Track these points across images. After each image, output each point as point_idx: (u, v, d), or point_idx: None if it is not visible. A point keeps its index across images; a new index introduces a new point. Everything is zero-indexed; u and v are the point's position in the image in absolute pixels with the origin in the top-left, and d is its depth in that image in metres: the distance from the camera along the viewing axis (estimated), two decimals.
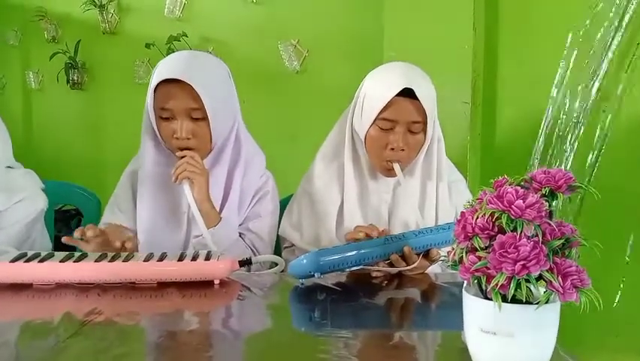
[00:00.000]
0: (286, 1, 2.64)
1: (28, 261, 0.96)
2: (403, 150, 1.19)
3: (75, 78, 3.49)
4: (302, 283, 0.99)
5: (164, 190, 1.27)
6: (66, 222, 2.85)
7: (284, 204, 1.41)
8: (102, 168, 3.40)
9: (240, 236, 1.29)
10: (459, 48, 2.02)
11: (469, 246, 0.63)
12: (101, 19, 3.32)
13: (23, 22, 3.95)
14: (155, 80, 1.18)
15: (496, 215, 0.59)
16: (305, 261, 0.95)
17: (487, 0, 2.08)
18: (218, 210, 1.25)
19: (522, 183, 0.65)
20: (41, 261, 0.97)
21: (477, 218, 0.61)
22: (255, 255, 1.27)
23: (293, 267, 0.97)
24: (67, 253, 1.02)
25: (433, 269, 1.14)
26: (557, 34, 1.94)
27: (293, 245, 1.32)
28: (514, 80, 2.08)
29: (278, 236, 1.36)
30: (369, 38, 2.30)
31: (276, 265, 1.13)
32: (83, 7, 3.30)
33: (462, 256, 0.63)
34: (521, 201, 0.59)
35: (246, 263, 1.05)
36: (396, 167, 1.20)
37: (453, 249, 0.67)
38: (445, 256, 0.72)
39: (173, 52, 2.88)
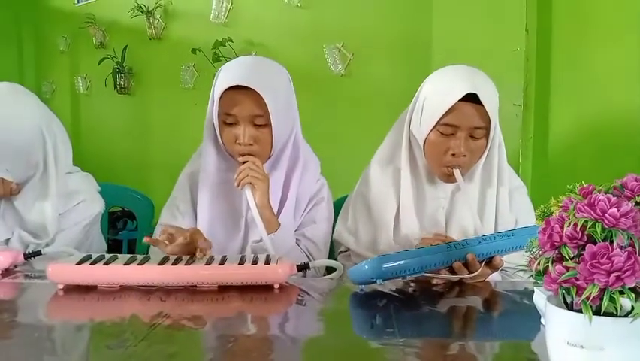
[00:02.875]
0: (331, 5, 2.64)
1: (93, 263, 0.98)
2: (464, 155, 1.16)
3: (122, 83, 3.58)
4: (362, 289, 0.97)
5: (224, 195, 1.28)
6: (113, 223, 2.92)
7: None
8: (148, 170, 3.47)
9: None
10: (511, 50, 1.98)
11: (555, 255, 0.60)
12: (147, 25, 3.39)
13: (72, 29, 4.08)
14: (220, 87, 1.19)
15: (588, 224, 0.56)
16: (367, 267, 0.93)
17: (540, 1, 2.03)
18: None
19: (612, 191, 0.62)
20: (106, 264, 0.98)
21: (566, 227, 0.58)
22: (310, 260, 1.26)
23: (354, 273, 0.96)
24: (131, 255, 1.03)
25: (493, 277, 1.11)
26: (614, 35, 1.87)
27: (348, 250, 1.31)
28: (568, 82, 2.02)
29: (332, 241, 1.36)
30: (417, 41, 2.27)
31: (331, 270, 1.12)
32: (130, 13, 3.38)
33: (547, 266, 0.61)
34: (615, 209, 0.56)
35: (303, 268, 1.04)
36: (457, 173, 1.17)
37: (534, 257, 0.64)
38: (520, 264, 0.70)
39: (219, 57, 2.94)
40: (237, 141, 1.20)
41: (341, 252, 1.34)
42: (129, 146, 3.66)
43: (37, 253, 1.13)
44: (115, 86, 3.60)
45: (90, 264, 0.98)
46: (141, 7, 3.35)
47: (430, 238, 1.10)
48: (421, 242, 1.11)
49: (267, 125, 1.20)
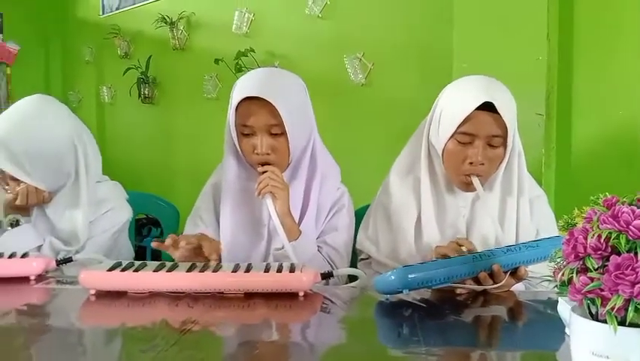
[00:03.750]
0: (352, 15, 2.67)
1: (123, 270, 1.01)
2: (482, 164, 1.17)
3: (146, 92, 3.65)
4: (387, 299, 0.99)
5: (246, 204, 1.30)
6: (138, 230, 2.97)
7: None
8: (172, 178, 3.53)
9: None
10: (532, 59, 1.97)
11: (580, 266, 0.61)
12: (171, 36, 3.46)
13: (98, 40, 4.18)
14: (236, 98, 1.22)
15: (612, 235, 0.57)
16: (393, 277, 0.95)
17: (561, 9, 2.02)
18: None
19: (635, 202, 0.62)
20: (136, 270, 1.01)
21: (590, 238, 0.59)
22: (332, 268, 1.28)
23: (379, 282, 0.97)
24: (160, 263, 1.06)
25: (517, 287, 1.11)
26: (636, 43, 1.86)
27: (369, 258, 1.32)
28: (591, 91, 2.01)
29: (354, 249, 1.37)
30: (438, 50, 2.28)
31: (353, 278, 1.13)
32: (154, 24, 3.45)
33: (572, 277, 0.61)
34: (639, 221, 0.57)
35: (327, 276, 1.06)
36: (476, 181, 1.18)
37: (559, 268, 0.65)
38: (544, 275, 0.70)
39: (241, 67, 2.98)
40: (255, 151, 1.23)
41: (362, 259, 1.35)
42: (153, 154, 3.73)
43: (68, 260, 1.17)
44: (139, 96, 3.68)
45: (121, 270, 1.01)
46: (165, 18, 3.42)
47: (445, 246, 1.11)
48: (435, 250, 1.11)
49: (284, 134, 1.22)
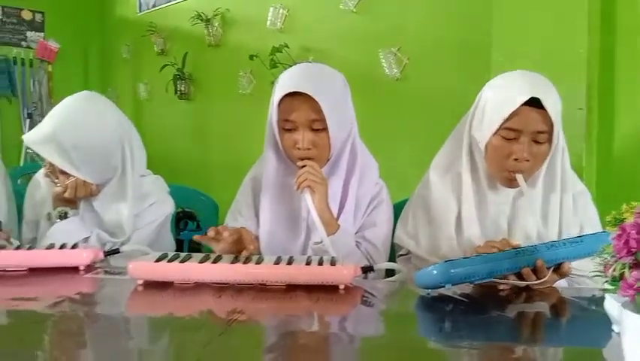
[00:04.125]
0: (386, 9, 2.65)
1: (170, 261, 1.04)
2: (527, 160, 1.16)
3: (182, 89, 3.71)
4: (428, 293, 0.99)
5: (285, 198, 1.32)
6: (176, 223, 3.03)
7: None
8: (207, 173, 3.59)
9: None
10: (573, 52, 1.93)
11: (632, 261, 0.60)
12: (206, 33, 3.51)
13: (135, 37, 4.27)
14: (278, 94, 1.23)
15: None
16: (435, 272, 0.95)
17: (603, 1, 1.97)
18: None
19: None
20: (182, 261, 1.04)
21: None
22: (370, 263, 1.28)
23: (421, 277, 0.98)
24: (204, 254, 1.08)
25: (560, 283, 1.10)
26: None
27: (409, 253, 1.32)
28: (633, 85, 1.95)
29: (392, 244, 1.37)
30: (475, 43, 2.25)
31: (390, 273, 1.14)
32: (190, 21, 3.50)
33: (623, 272, 0.61)
34: None
35: (368, 270, 1.07)
36: (520, 178, 1.17)
37: (608, 264, 0.64)
38: (593, 270, 0.70)
39: (276, 63, 3.00)
40: (296, 146, 1.25)
41: (401, 255, 1.35)
42: (189, 149, 3.79)
43: (115, 251, 1.20)
44: (175, 92, 3.75)
45: (167, 262, 1.04)
46: (200, 15, 3.47)
47: (497, 241, 1.10)
48: (483, 246, 1.11)
49: (325, 129, 1.24)
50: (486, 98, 1.23)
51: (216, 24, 3.49)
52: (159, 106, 4.05)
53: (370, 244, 1.33)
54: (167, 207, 1.47)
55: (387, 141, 2.62)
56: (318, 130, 1.24)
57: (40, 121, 4.34)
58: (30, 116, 4.48)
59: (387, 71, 2.57)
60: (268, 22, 3.10)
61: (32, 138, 1.29)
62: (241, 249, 1.15)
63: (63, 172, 1.31)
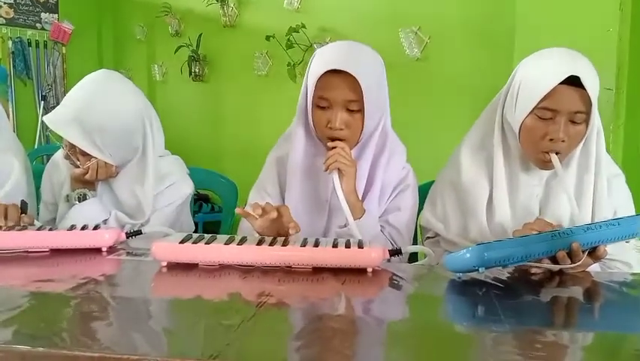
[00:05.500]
0: None
1: (195, 243, 1.02)
2: (563, 141, 1.12)
3: (197, 70, 3.68)
4: (459, 277, 0.96)
5: (310, 178, 1.30)
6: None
7: None
8: (221, 155, 3.57)
9: None
10: (602, 31, 1.87)
11: None
12: (222, 13, 3.46)
13: (149, 18, 4.23)
14: (317, 70, 1.20)
15: None
16: (468, 255, 0.92)
17: None
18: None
19: None
20: (207, 243, 1.02)
21: None
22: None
23: (452, 260, 0.95)
24: (229, 236, 1.06)
25: (593, 267, 1.07)
26: None
27: (436, 236, 1.29)
28: None
29: (417, 228, 1.35)
30: (499, 22, 2.20)
31: (413, 259, 1.11)
32: (206, 1, 3.45)
33: None
34: None
35: (395, 253, 1.04)
36: (555, 159, 1.13)
37: None
38: None
39: (292, 43, 2.96)
40: (329, 125, 1.21)
41: (428, 237, 1.32)
42: (203, 131, 3.77)
43: (138, 232, 1.19)
44: (190, 74, 3.72)
45: (192, 243, 1.02)
46: None
47: (536, 223, 1.07)
48: (522, 228, 1.07)
49: (360, 111, 1.21)
50: (520, 77, 1.18)
51: (232, 4, 3.44)
52: (173, 88, 4.02)
53: (394, 229, 1.30)
54: (187, 188, 1.45)
55: (406, 121, 2.57)
56: (352, 111, 1.20)
57: (54, 103, 4.36)
58: (44, 98, 4.47)
59: (407, 50, 2.51)
60: (285, 2, 3.05)
61: (53, 119, 1.27)
62: (279, 228, 1.12)
63: (84, 154, 1.29)
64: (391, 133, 1.34)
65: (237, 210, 1.14)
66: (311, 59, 1.28)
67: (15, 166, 1.33)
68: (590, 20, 1.86)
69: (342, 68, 1.17)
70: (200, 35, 3.65)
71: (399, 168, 1.34)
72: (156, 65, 4.15)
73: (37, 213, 1.47)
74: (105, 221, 1.34)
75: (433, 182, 1.41)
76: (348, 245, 1.01)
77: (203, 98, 3.78)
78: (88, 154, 1.29)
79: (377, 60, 1.26)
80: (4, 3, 4.37)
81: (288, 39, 2.93)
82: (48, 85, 4.51)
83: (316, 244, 1.02)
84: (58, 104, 4.38)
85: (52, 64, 4.55)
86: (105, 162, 1.30)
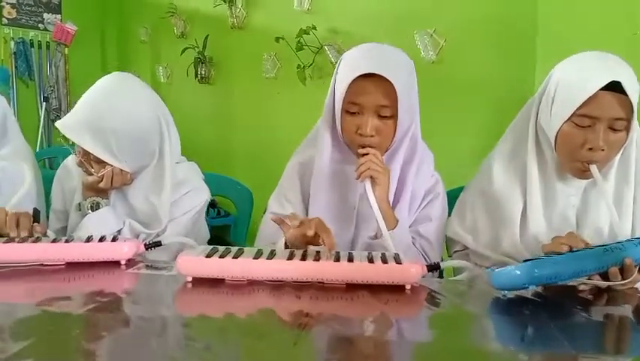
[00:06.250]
0: None
1: (222, 256, 0.96)
2: (602, 150, 1.06)
3: (203, 72, 3.62)
4: (504, 295, 0.91)
5: (337, 186, 1.25)
6: None
7: None
8: (229, 159, 3.51)
9: None
10: (627, 34, 1.82)
11: None
12: (229, 14, 3.41)
13: (153, 20, 4.17)
14: (349, 75, 1.14)
15: None
16: (518, 272, 0.86)
17: None
18: None
19: None
20: (235, 257, 0.96)
21: None
22: (425, 260, 1.21)
23: (499, 277, 0.89)
24: (257, 249, 1.00)
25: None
26: None
27: (465, 249, 1.24)
28: None
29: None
30: (519, 24, 2.15)
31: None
32: (213, 2, 3.39)
33: None
34: None
35: (434, 268, 0.99)
36: (594, 169, 1.07)
37: None
38: None
39: (302, 45, 2.90)
40: (359, 131, 1.16)
41: (457, 251, 1.27)
42: (210, 134, 3.71)
43: (157, 244, 1.13)
44: (196, 76, 3.66)
45: (219, 257, 0.96)
46: None
47: (565, 237, 1.01)
48: (551, 243, 1.02)
49: (392, 116, 1.15)
50: (557, 82, 1.13)
51: (240, 5, 3.38)
52: (178, 90, 3.96)
53: (425, 240, 1.25)
54: (204, 195, 1.39)
55: (422, 126, 2.52)
56: (384, 117, 1.15)
57: (56, 105, 4.26)
58: (46, 99, 4.41)
59: (422, 53, 2.46)
60: (295, 3, 2.99)
61: (66, 124, 1.20)
62: (311, 239, 1.05)
63: (98, 161, 1.23)
64: (420, 139, 1.28)
65: (272, 218, 1.09)
66: (338, 62, 1.23)
67: (26, 172, 1.27)
68: (616, 24, 1.81)
69: (376, 72, 1.11)
70: (206, 37, 3.59)
71: (428, 176, 1.29)
72: (161, 67, 4.09)
73: (47, 222, 1.41)
74: (119, 231, 1.28)
75: (451, 190, 1.37)
76: (384, 260, 0.95)
77: (210, 100, 3.72)
78: (102, 161, 1.22)
79: (409, 63, 1.21)
80: (7, 3, 4.31)
81: (299, 41, 2.87)
82: (50, 87, 4.45)
83: (350, 259, 0.96)
84: (60, 106, 4.31)
85: (54, 65, 4.49)
86: (120, 170, 1.24)
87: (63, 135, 1.22)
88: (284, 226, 1.07)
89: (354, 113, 1.16)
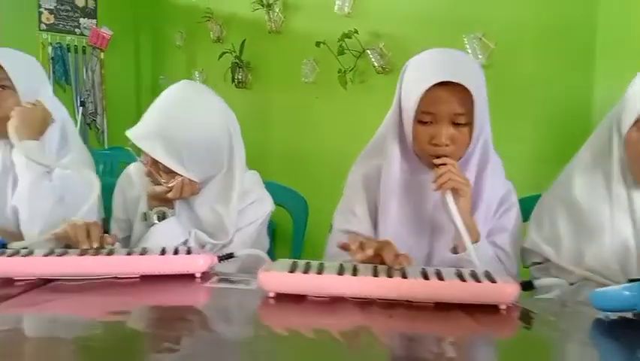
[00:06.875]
0: None
1: (305, 272, 0.93)
2: None
3: (240, 77, 3.61)
4: (607, 316, 0.85)
5: (408, 198, 1.21)
6: None
7: None
8: (266, 164, 3.48)
9: None
10: None
11: None
12: (267, 19, 3.39)
13: (189, 24, 4.18)
14: (422, 83, 1.10)
15: None
16: (627, 292, 0.81)
17: None
18: None
19: None
20: (318, 272, 0.92)
21: None
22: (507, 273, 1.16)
23: (604, 297, 0.84)
24: (339, 264, 0.97)
25: None
26: None
27: (546, 262, 1.18)
28: None
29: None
30: (576, 27, 2.08)
31: (527, 287, 1.00)
32: (251, 6, 3.38)
33: None
34: None
35: (528, 287, 0.94)
36: None
37: None
38: None
39: (343, 49, 2.87)
40: (433, 141, 1.12)
41: (535, 263, 1.22)
42: (247, 139, 3.67)
43: (230, 256, 1.10)
44: (233, 80, 3.64)
45: (302, 272, 0.92)
46: (262, 0, 3.34)
47: None
48: None
49: (466, 124, 1.11)
50: (628, 89, 1.09)
51: (277, 10, 3.36)
52: None
53: (502, 251, 1.20)
54: (268, 205, 1.36)
55: None
56: (459, 125, 1.11)
57: (92, 109, 4.29)
58: (83, 104, 4.45)
59: (471, 57, 2.40)
60: (336, 7, 2.96)
61: (138, 134, 1.19)
62: (380, 261, 1.02)
63: (167, 171, 1.21)
64: (491, 146, 1.23)
65: (341, 244, 1.05)
66: (403, 71, 1.20)
67: (94, 180, 1.25)
68: None
69: (452, 80, 1.07)
70: (243, 41, 3.58)
71: (501, 184, 1.25)
72: (196, 72, 4.10)
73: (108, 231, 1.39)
74: (185, 241, 1.26)
75: None
76: (476, 277, 0.91)
77: (247, 105, 3.69)
78: (172, 171, 1.20)
79: (479, 67, 1.18)
80: (45, 9, 4.36)
81: (340, 45, 2.84)
82: (86, 91, 4.49)
83: (439, 275, 0.92)
84: (96, 110, 4.34)
85: (90, 69, 4.53)
86: (190, 180, 1.22)
87: (131, 144, 1.20)
88: (351, 252, 1.04)
89: (426, 122, 1.12)
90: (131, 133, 1.19)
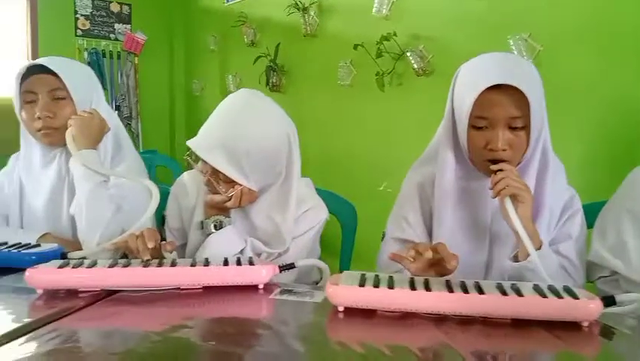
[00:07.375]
0: None
1: (375, 286, 0.90)
2: None
3: (274, 81, 3.60)
4: None
5: (466, 205, 1.18)
6: None
7: None
8: (302, 168, 3.47)
9: None
10: None
11: None
12: (302, 22, 3.38)
13: (222, 28, 4.20)
14: (476, 87, 1.07)
15: None
16: None
17: None
18: None
19: None
20: (389, 287, 0.90)
21: None
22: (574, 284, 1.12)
23: None
24: (409, 278, 0.94)
25: None
26: None
27: (614, 275, 1.14)
28: None
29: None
30: (626, 28, 2.01)
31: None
32: (286, 10, 3.37)
33: None
34: None
35: (610, 303, 0.90)
36: None
37: None
38: None
39: (382, 52, 2.84)
40: (489, 146, 1.09)
41: (602, 277, 1.17)
42: None
43: (291, 266, 1.08)
44: (267, 84, 3.64)
45: (373, 286, 0.90)
46: (297, 3, 3.34)
47: None
48: None
49: (523, 127, 1.08)
50: None
51: (312, 13, 3.34)
52: None
53: (567, 260, 1.16)
54: (323, 213, 1.34)
55: None
56: (515, 129, 1.08)
57: (127, 113, 4.35)
58: (118, 108, 4.52)
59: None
60: (374, 9, 2.92)
61: (198, 144, 1.17)
62: (439, 269, 1.01)
63: (227, 180, 1.19)
64: (551, 149, 1.19)
65: (391, 256, 1.03)
66: (455, 77, 1.17)
67: (152, 188, 1.25)
68: None
69: (506, 82, 1.04)
70: (278, 45, 3.57)
71: (563, 190, 1.20)
72: (230, 76, 4.11)
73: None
74: (242, 250, 1.25)
75: None
76: (556, 293, 0.87)
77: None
78: (231, 180, 1.19)
79: (535, 69, 1.14)
80: (81, 15, 4.44)
81: (379, 48, 2.81)
82: (121, 95, 4.55)
83: (518, 292, 0.88)
84: (131, 114, 4.40)
85: (125, 74, 4.59)
86: (249, 189, 1.21)
87: (189, 153, 1.20)
88: (404, 262, 1.01)
89: (481, 127, 1.09)
90: (195, 144, 1.18)
